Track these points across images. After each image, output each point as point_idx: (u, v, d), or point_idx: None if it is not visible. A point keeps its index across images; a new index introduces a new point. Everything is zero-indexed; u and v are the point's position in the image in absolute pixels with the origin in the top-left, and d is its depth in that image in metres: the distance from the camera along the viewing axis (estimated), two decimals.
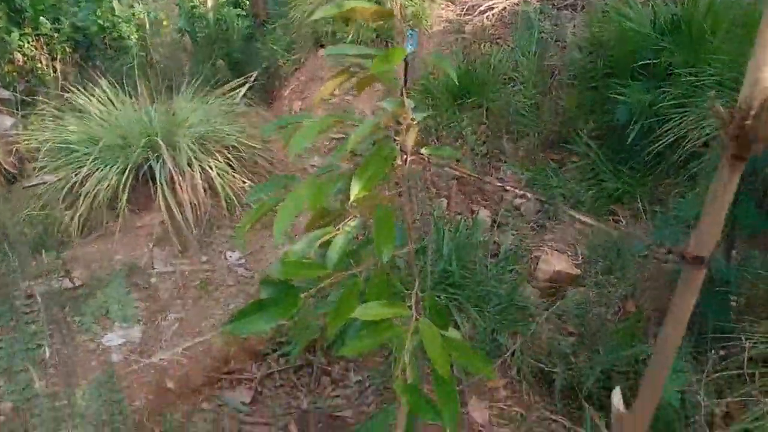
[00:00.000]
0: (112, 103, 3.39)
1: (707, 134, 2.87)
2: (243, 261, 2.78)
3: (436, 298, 2.47)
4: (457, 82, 3.97)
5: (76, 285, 2.51)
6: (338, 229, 1.20)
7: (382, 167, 1.09)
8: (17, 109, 4.33)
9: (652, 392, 1.30)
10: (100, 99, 3.38)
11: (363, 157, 1.09)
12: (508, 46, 4.26)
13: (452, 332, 1.43)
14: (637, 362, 2.16)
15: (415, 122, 1.15)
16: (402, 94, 1.15)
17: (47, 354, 2.18)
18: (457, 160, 3.45)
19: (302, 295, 1.13)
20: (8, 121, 4.22)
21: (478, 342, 2.41)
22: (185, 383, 2.17)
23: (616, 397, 1.38)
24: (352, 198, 1.07)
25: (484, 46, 4.29)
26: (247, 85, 4.68)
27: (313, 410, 2.17)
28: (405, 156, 1.16)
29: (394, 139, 1.16)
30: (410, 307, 1.22)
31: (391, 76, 1.18)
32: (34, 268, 2.62)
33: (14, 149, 3.45)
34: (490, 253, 2.80)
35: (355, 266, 1.25)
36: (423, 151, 1.31)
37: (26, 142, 3.30)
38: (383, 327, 1.17)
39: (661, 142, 3.05)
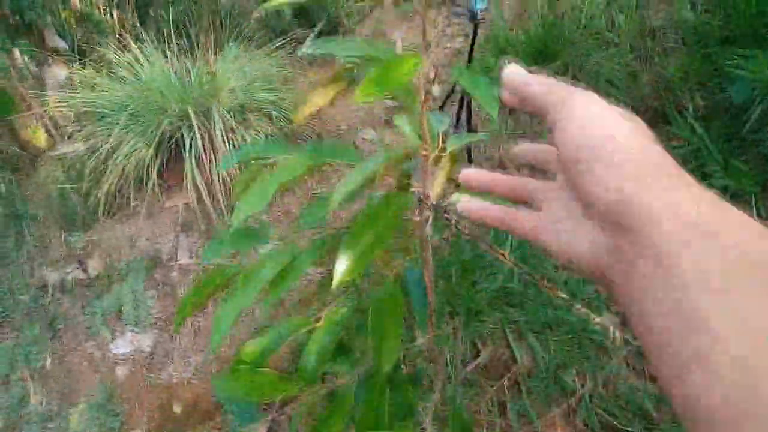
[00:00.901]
0: (149, 60, 3.09)
1: None
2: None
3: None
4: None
5: (91, 276, 2.28)
6: (318, 320, 0.83)
7: (386, 232, 0.69)
8: (75, 60, 4.13)
9: None
10: (135, 57, 3.08)
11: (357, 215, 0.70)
12: None
13: None
14: None
15: (447, 154, 0.74)
16: (422, 109, 0.71)
17: (48, 362, 1.97)
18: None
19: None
20: (62, 73, 4.02)
21: (536, 380, 2.02)
22: (194, 407, 1.92)
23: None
24: (335, 282, 0.68)
25: None
26: (309, 39, 4.29)
27: None
28: (425, 208, 0.76)
29: (409, 185, 0.76)
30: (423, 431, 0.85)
31: (404, 86, 0.73)
32: (51, 252, 2.41)
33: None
34: (563, 266, 2.34)
35: (341, 371, 0.89)
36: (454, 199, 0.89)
37: (59, 105, 3.07)
38: None
39: None
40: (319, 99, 0.66)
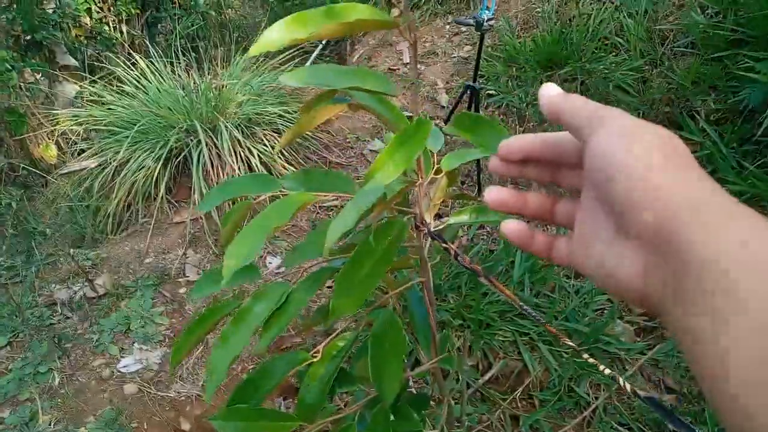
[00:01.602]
0: (157, 76, 3.10)
1: None
2: (283, 269, 2.45)
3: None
4: (545, 50, 3.39)
5: (99, 294, 2.28)
6: (316, 354, 0.81)
7: (383, 262, 0.66)
8: (85, 76, 4.17)
9: None
10: (142, 72, 3.10)
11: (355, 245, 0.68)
12: (612, 3, 3.57)
13: None
14: None
15: (443, 176, 0.71)
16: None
17: (56, 381, 1.97)
18: None
19: None
20: (73, 90, 4.06)
21: (549, 393, 1.98)
22: (203, 426, 1.90)
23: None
24: (332, 317, 0.66)
25: (583, 4, 3.63)
26: (319, 48, 4.30)
27: None
28: (423, 230, 0.74)
29: (404, 211, 0.74)
30: None
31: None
32: (60, 269, 2.42)
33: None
34: (574, 273, 2.31)
35: (342, 404, 0.86)
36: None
37: (69, 122, 3.09)
38: None
39: None
40: (304, 125, 0.64)
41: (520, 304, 0.67)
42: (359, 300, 0.65)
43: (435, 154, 0.69)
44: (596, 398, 1.96)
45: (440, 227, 0.74)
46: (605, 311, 2.18)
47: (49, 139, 3.53)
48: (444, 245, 0.69)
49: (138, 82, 3.09)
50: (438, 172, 0.68)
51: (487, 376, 2.02)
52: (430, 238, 0.76)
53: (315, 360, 0.81)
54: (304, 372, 0.82)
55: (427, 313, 0.87)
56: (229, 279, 0.59)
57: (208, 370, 0.71)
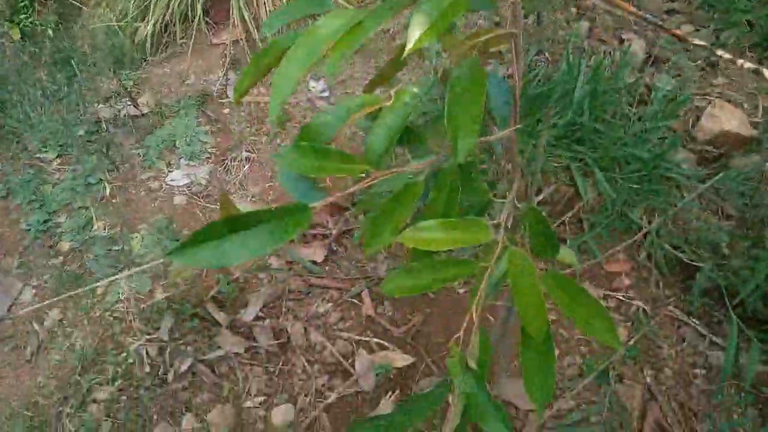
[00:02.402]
0: None
1: None
2: (328, 93, 2.36)
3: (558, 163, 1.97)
4: None
5: (143, 112, 2.25)
6: (388, 98, 0.74)
7: None
8: None
9: None
10: None
11: None
12: None
13: (565, 255, 0.98)
14: None
15: None
16: None
17: (108, 191, 1.99)
18: None
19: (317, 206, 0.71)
20: None
21: (601, 217, 1.93)
22: None
23: None
24: (408, 49, 0.59)
25: None
26: None
27: None
28: None
29: None
30: (497, 226, 0.78)
31: None
32: (102, 90, 2.38)
33: None
34: (637, 100, 2.16)
35: (413, 160, 0.80)
36: None
37: None
38: (445, 262, 0.75)
39: None
40: None
41: (640, 13, 0.56)
42: (441, 27, 0.56)
43: None
44: (649, 222, 1.90)
45: None
46: (667, 139, 2.06)
47: None
48: None
49: None
50: None
51: (539, 197, 1.97)
52: None
53: (386, 105, 0.74)
54: (369, 124, 0.75)
55: (510, 93, 0.78)
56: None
57: (273, 86, 0.64)
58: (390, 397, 1.63)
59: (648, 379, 1.66)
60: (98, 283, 1.69)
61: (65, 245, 1.88)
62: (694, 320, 1.78)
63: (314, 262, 1.92)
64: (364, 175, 0.75)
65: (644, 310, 1.83)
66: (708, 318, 1.79)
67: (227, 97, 2.33)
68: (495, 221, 0.80)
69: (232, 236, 0.63)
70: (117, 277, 1.63)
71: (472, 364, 0.72)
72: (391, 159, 0.88)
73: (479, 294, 0.74)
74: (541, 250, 0.81)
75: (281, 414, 1.58)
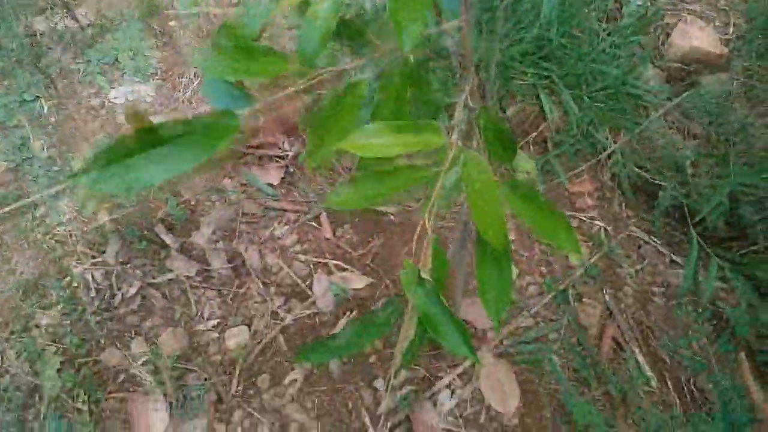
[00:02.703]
0: None
1: None
2: None
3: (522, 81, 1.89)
4: None
5: (83, 25, 2.08)
6: None
7: None
8: None
9: None
10: None
11: None
12: None
13: (522, 162, 0.93)
14: None
15: None
16: None
17: (45, 108, 1.85)
18: None
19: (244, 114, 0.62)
20: None
21: (566, 136, 1.87)
22: None
23: None
24: None
25: None
26: None
27: None
28: None
29: None
30: (450, 129, 0.71)
31: None
32: (38, 1, 2.18)
33: None
34: (607, 16, 2.07)
35: (355, 56, 0.72)
36: None
37: None
38: (393, 171, 0.69)
39: None
40: None
41: None
42: None
43: None
44: (615, 142, 1.86)
45: None
46: (636, 56, 1.99)
47: None
48: None
49: None
50: None
51: (503, 116, 1.90)
52: None
53: None
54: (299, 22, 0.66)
55: None
56: None
57: None
58: (348, 317, 1.60)
59: (607, 298, 1.66)
60: (35, 200, 1.58)
61: (0, 165, 1.76)
62: (655, 239, 1.77)
63: (270, 185, 1.84)
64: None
65: (606, 230, 1.81)
66: (669, 237, 1.78)
67: (173, 8, 2.17)
68: (449, 125, 0.74)
69: (146, 153, 0.55)
70: (54, 189, 1.53)
71: (426, 275, 0.67)
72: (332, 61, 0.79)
73: (432, 202, 0.68)
74: (498, 153, 0.75)
75: (235, 336, 1.54)
